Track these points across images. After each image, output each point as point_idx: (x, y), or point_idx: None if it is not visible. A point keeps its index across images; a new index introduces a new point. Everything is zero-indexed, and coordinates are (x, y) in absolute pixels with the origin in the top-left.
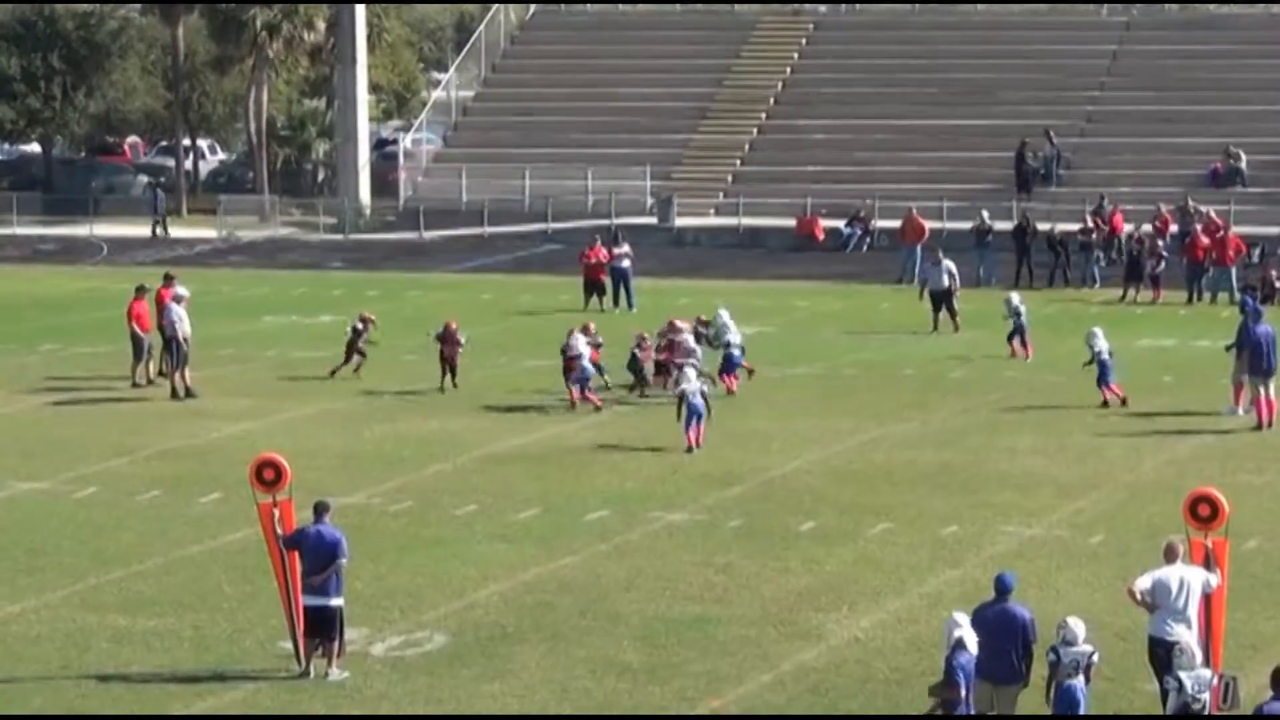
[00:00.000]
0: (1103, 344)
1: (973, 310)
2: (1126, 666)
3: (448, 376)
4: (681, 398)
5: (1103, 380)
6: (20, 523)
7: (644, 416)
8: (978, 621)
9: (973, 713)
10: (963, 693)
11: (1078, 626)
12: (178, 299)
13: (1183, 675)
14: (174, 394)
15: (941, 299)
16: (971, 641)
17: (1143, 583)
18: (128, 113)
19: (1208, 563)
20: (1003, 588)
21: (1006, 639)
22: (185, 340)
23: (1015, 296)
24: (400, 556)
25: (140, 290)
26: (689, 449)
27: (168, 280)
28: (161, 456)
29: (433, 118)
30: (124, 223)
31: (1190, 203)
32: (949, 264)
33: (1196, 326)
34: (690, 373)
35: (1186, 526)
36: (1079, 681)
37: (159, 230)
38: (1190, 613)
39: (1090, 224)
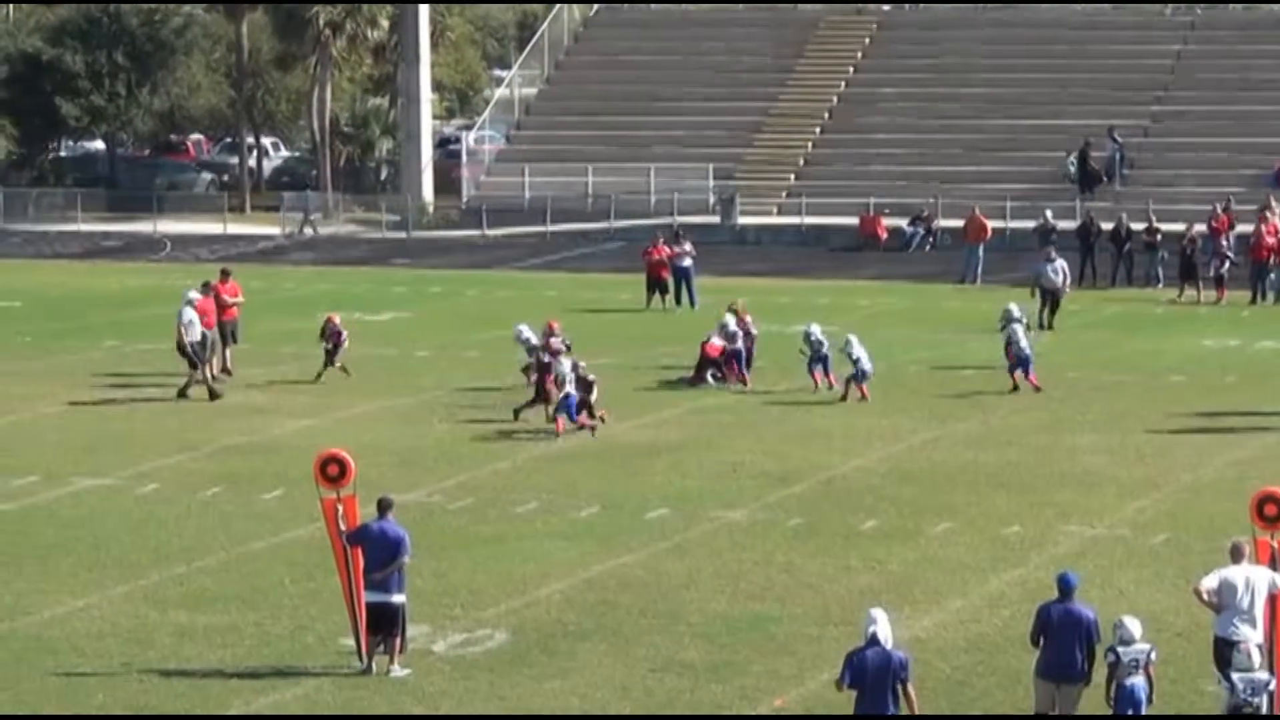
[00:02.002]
0: (1024, 340)
1: (1037, 309)
2: (1189, 666)
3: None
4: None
5: (1021, 368)
6: (83, 518)
7: (702, 414)
8: (1042, 621)
9: (892, 711)
10: (845, 686)
11: (1134, 625)
12: (189, 302)
13: (1235, 677)
14: (212, 394)
15: (1051, 295)
16: (885, 637)
17: (1209, 582)
18: (192, 110)
19: (1274, 563)
20: (1066, 587)
21: (1070, 638)
22: (195, 344)
23: (1015, 307)
24: (461, 553)
25: (205, 287)
26: (859, 397)
27: (224, 276)
28: (223, 452)
29: (496, 116)
30: (187, 219)
31: (1272, 203)
32: (1061, 263)
33: (1260, 327)
34: (854, 339)
35: (1252, 526)
36: (1140, 680)
37: (307, 230)
38: (1256, 613)
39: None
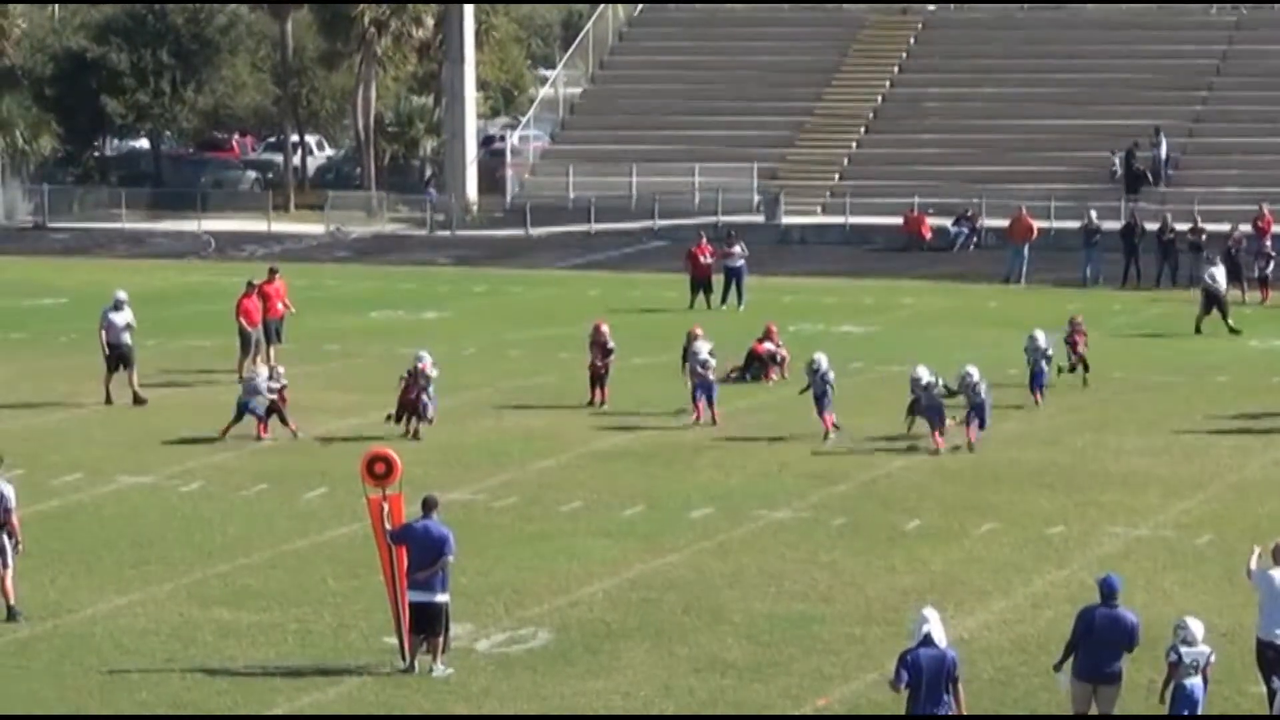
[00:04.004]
0: (977, 376)
1: (1081, 309)
2: (1233, 668)
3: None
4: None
5: (979, 420)
6: (127, 516)
7: (746, 414)
8: (1084, 623)
9: (952, 711)
10: (902, 687)
11: (1196, 627)
12: (118, 305)
13: None
14: (109, 400)
15: (1215, 299)
16: (939, 637)
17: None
18: (236, 108)
19: None
20: (1109, 591)
21: (1112, 642)
22: (118, 346)
23: (1041, 336)
24: (505, 552)
25: (250, 285)
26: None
27: (272, 275)
28: (267, 451)
29: (540, 114)
30: (232, 217)
31: None
32: (1220, 267)
33: None
34: (824, 358)
35: None
36: (1198, 681)
37: (437, 229)
38: None
39: None
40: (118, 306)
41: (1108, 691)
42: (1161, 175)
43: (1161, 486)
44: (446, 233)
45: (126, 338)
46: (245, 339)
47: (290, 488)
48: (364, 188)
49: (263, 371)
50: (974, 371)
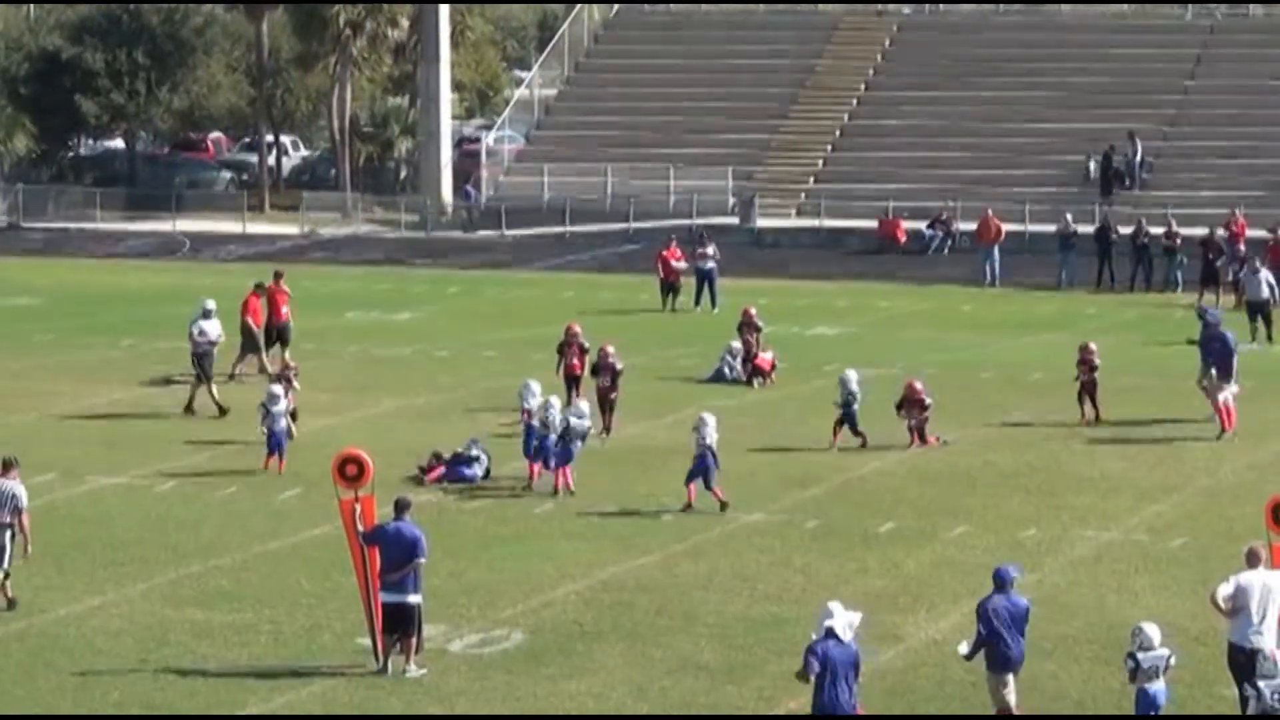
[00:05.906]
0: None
1: (1055, 312)
2: (1205, 672)
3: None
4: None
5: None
6: (101, 517)
7: (720, 417)
8: (994, 616)
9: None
10: (812, 678)
11: (1153, 631)
12: (207, 314)
13: (1262, 684)
14: (189, 406)
15: (1259, 309)
16: (842, 630)
17: (1224, 590)
18: (211, 109)
19: None
20: (1003, 581)
21: (1019, 630)
22: (208, 356)
23: (853, 376)
24: (478, 554)
25: (259, 286)
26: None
27: (277, 278)
28: (242, 452)
29: (515, 116)
30: (206, 218)
31: None
32: (1267, 274)
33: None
34: (583, 407)
35: (1268, 531)
36: (1160, 686)
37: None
38: (1271, 619)
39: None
40: (207, 315)
41: (1015, 681)
42: (1136, 179)
43: (1134, 490)
44: (421, 234)
45: (214, 348)
46: (249, 338)
47: (263, 489)
48: (339, 189)
49: (278, 392)
50: (708, 418)
